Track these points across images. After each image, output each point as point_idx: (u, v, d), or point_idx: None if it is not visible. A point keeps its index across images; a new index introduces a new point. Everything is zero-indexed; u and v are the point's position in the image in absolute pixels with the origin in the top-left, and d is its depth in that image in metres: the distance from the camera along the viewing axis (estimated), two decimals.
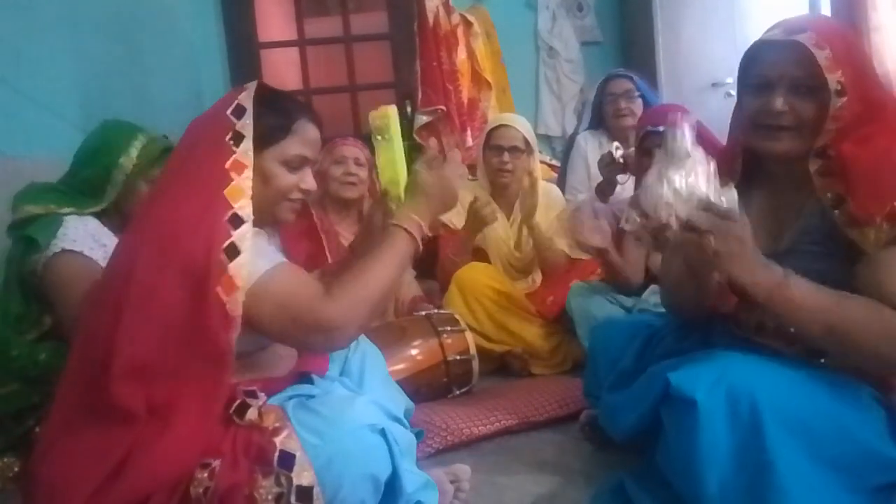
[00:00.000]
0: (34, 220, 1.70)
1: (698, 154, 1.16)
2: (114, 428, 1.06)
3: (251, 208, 1.14)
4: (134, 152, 1.76)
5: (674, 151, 1.17)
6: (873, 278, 1.11)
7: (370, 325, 1.29)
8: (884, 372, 1.17)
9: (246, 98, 1.19)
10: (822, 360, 1.22)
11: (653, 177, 1.17)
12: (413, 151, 3.63)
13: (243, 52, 3.68)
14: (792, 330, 1.21)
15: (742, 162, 1.33)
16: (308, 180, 1.26)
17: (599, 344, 1.67)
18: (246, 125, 1.17)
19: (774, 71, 1.20)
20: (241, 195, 1.13)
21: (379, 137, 1.35)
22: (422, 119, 3.42)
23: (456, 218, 2.55)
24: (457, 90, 3.49)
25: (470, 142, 3.46)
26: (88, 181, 1.77)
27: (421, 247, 1.25)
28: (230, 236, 1.10)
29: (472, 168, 3.02)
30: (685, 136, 1.18)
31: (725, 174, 1.20)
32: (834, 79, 1.13)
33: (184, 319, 1.07)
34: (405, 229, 1.23)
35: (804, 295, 1.11)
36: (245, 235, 1.11)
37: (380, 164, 1.36)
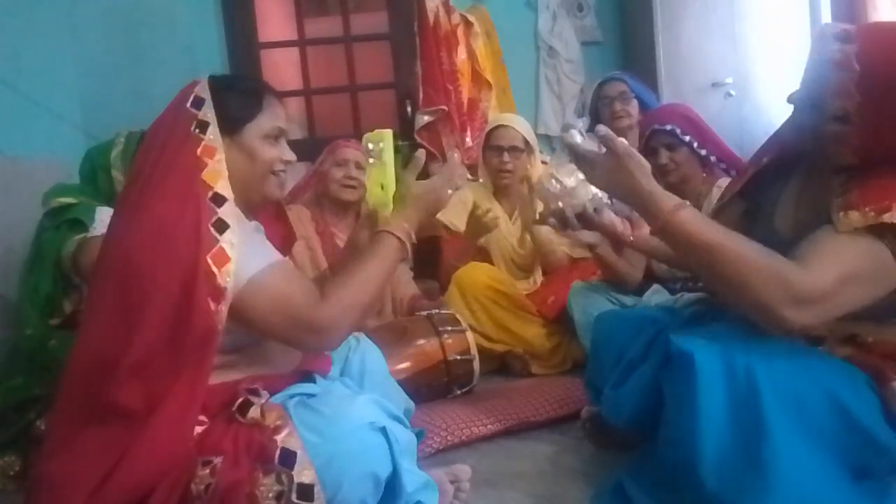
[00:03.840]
0: (71, 208, 1.86)
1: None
2: (115, 426, 1.07)
3: (230, 189, 1.17)
4: (119, 147, 1.96)
5: (565, 154, 1.45)
6: (807, 242, 1.14)
7: (361, 326, 1.33)
8: (759, 316, 1.15)
9: (202, 89, 1.23)
10: (820, 348, 1.24)
11: (546, 176, 1.47)
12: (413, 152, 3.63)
13: (243, 52, 3.67)
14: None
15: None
16: (287, 152, 1.31)
17: (603, 335, 1.64)
18: (208, 114, 1.20)
19: None
20: (219, 177, 1.17)
21: (371, 160, 1.36)
22: (423, 119, 3.41)
23: (458, 220, 2.56)
24: (457, 90, 3.49)
25: (470, 142, 3.46)
26: (99, 189, 1.96)
27: (409, 251, 1.29)
28: (216, 213, 1.13)
29: (472, 168, 3.03)
30: (576, 139, 1.37)
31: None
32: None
33: (176, 299, 1.08)
34: (394, 234, 1.28)
35: (694, 222, 1.14)
36: (230, 212, 1.14)
37: (369, 184, 1.36)
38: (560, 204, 1.45)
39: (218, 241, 1.11)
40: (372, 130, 1.37)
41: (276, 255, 1.22)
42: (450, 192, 1.37)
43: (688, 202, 1.18)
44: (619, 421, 1.43)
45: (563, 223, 1.48)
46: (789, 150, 1.36)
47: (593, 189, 1.43)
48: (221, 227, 1.12)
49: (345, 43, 3.74)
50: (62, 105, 2.42)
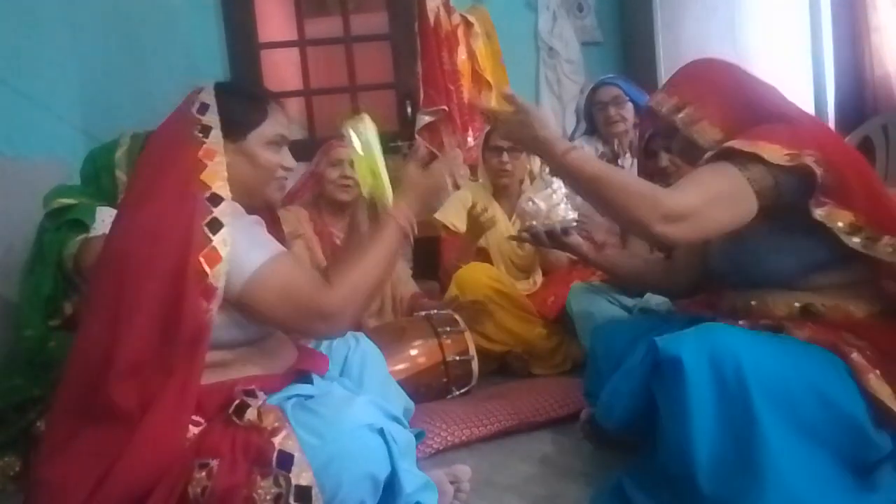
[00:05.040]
0: (71, 209, 1.87)
1: (557, 181, 1.75)
2: (111, 428, 1.07)
3: (228, 189, 1.18)
4: (124, 147, 1.96)
5: (541, 178, 1.71)
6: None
7: (366, 311, 1.37)
8: (639, 233, 1.32)
9: (207, 95, 1.26)
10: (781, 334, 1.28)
11: (524, 197, 1.73)
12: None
13: (243, 52, 3.67)
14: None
15: None
16: (288, 159, 1.34)
17: (600, 345, 1.67)
18: (212, 119, 1.22)
19: None
20: (217, 177, 1.18)
21: (359, 149, 1.34)
22: (424, 119, 3.41)
23: (458, 220, 2.56)
24: (458, 90, 3.48)
25: (471, 142, 3.45)
26: (102, 189, 1.96)
27: (412, 238, 1.33)
28: (211, 212, 1.14)
29: (474, 168, 3.03)
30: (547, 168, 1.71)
31: None
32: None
33: (165, 297, 1.10)
34: (397, 220, 1.30)
35: (581, 159, 1.32)
36: (226, 211, 1.15)
37: (360, 172, 1.35)
38: (534, 223, 1.66)
39: (211, 240, 1.12)
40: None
41: (278, 247, 1.23)
42: (448, 181, 1.43)
43: (579, 145, 1.35)
44: (611, 425, 1.45)
45: (536, 239, 1.70)
46: None
47: (562, 213, 1.65)
48: (215, 226, 1.13)
49: (345, 43, 3.74)
50: (62, 105, 2.42)
